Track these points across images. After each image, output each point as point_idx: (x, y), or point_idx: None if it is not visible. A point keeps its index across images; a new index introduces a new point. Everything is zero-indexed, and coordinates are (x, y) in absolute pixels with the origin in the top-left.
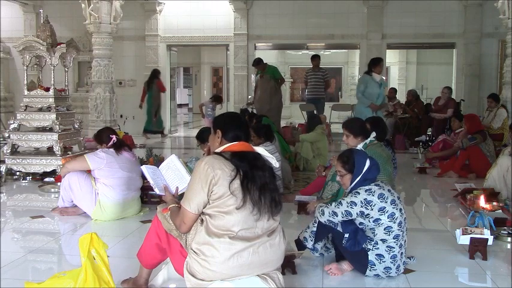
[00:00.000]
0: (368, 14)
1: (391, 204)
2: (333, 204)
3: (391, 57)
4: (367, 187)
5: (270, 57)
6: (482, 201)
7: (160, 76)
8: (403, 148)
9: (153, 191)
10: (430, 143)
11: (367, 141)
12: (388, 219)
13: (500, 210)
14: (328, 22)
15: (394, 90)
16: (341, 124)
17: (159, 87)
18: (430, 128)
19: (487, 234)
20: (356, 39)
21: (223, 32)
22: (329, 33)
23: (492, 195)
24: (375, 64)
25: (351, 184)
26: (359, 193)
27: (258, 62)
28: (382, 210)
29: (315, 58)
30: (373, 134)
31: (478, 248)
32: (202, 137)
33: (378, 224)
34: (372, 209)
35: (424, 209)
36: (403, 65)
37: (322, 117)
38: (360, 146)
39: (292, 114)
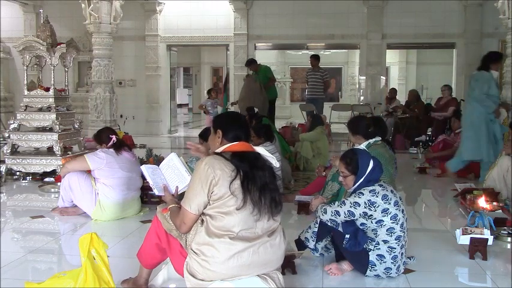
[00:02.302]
0: (368, 14)
1: (394, 206)
2: (336, 203)
3: (391, 57)
4: (371, 188)
5: (270, 57)
6: (482, 201)
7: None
8: (403, 148)
9: (153, 191)
10: (430, 143)
11: (371, 141)
12: (391, 221)
13: (500, 210)
14: (328, 22)
15: (394, 91)
16: (341, 124)
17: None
18: (430, 128)
19: (487, 234)
20: (356, 39)
21: (223, 32)
22: (329, 33)
23: (492, 195)
24: (495, 60)
25: (354, 185)
26: (363, 194)
27: (251, 62)
28: (385, 211)
29: (314, 57)
30: (378, 138)
31: (478, 248)
32: (206, 135)
33: (381, 225)
34: (376, 210)
35: (424, 209)
36: (403, 65)
37: (322, 117)
38: (363, 146)
39: (292, 114)
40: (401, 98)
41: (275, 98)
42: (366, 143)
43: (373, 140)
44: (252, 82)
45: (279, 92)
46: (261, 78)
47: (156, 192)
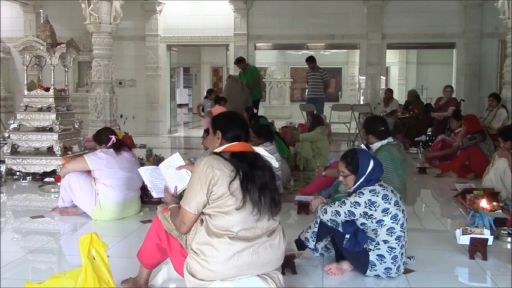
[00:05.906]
0: (368, 14)
1: (395, 206)
2: (336, 203)
3: (391, 57)
4: (371, 187)
5: (270, 57)
6: (482, 201)
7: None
8: (403, 148)
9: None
10: (430, 143)
11: (384, 142)
12: (391, 221)
13: (500, 210)
14: (328, 22)
15: (390, 91)
16: (341, 124)
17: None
18: (430, 128)
19: (487, 234)
20: (356, 39)
21: (223, 32)
22: (329, 33)
23: (492, 195)
24: None
25: (354, 185)
26: (363, 193)
27: (240, 61)
28: (385, 211)
29: (309, 60)
30: (391, 139)
31: (478, 248)
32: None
33: (381, 225)
34: (376, 210)
35: (424, 209)
36: (403, 65)
37: (322, 117)
38: (377, 145)
39: (292, 114)
40: (401, 98)
41: (259, 99)
42: (379, 143)
43: (386, 141)
44: (233, 82)
45: (279, 92)
46: (248, 77)
47: (154, 195)
